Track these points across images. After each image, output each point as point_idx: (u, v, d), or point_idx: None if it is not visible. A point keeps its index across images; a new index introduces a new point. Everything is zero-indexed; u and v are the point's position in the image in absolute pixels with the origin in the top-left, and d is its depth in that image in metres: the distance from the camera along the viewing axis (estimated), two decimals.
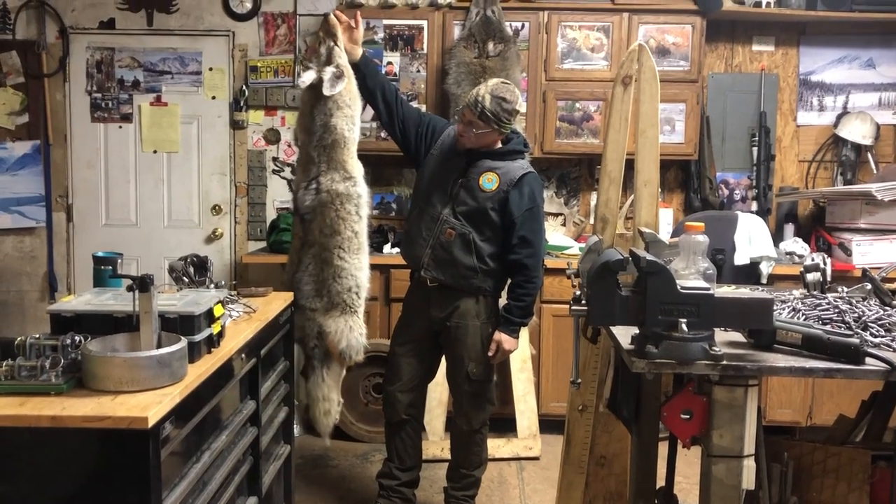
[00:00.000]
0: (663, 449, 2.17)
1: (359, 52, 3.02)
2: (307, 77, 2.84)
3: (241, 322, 2.46)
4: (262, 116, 4.72)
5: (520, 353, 3.92)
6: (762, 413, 2.04)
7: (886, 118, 4.65)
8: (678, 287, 1.75)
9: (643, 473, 2.04)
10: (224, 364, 2.10)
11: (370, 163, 3.64)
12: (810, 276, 2.29)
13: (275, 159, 4.75)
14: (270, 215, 4.72)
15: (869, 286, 2.24)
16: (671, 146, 4.31)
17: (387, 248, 4.34)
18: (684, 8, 4.35)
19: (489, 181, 2.97)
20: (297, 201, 2.99)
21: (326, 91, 2.81)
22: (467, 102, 2.93)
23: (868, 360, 1.78)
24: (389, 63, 4.39)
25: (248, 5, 4.66)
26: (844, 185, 4.53)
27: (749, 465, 1.82)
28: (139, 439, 1.60)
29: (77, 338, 1.83)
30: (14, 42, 4.65)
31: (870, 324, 1.98)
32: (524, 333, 3.88)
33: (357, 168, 2.97)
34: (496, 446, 3.94)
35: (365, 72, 3.02)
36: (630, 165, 2.72)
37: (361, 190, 2.97)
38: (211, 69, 4.70)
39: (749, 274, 4.03)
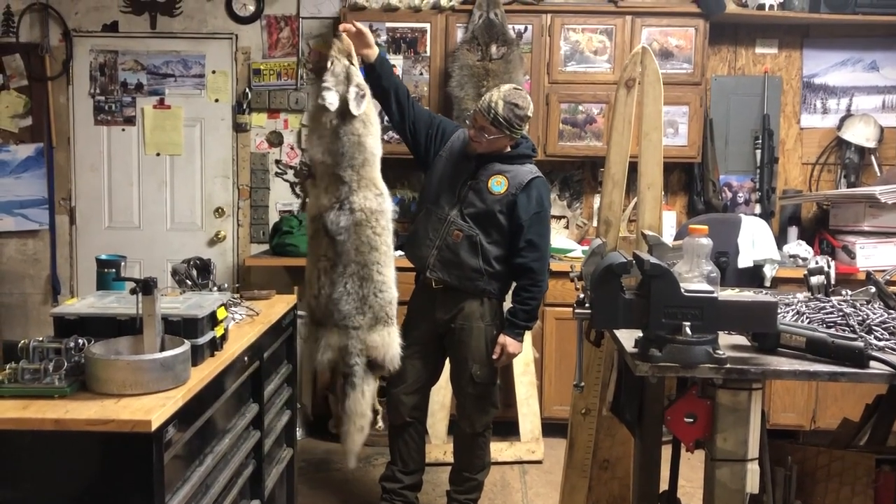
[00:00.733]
0: (667, 452, 2.17)
1: (374, 52, 2.98)
2: (333, 99, 2.78)
3: (245, 325, 2.46)
4: (265, 119, 4.73)
5: (523, 356, 3.90)
6: (766, 417, 2.04)
7: (890, 121, 4.64)
8: (682, 290, 1.75)
9: (646, 477, 2.03)
10: (227, 367, 2.10)
11: None
12: (814, 280, 2.29)
13: (277, 162, 4.75)
14: (273, 218, 4.73)
15: (873, 289, 2.24)
16: (674, 149, 4.30)
17: None
18: (687, 11, 4.35)
19: (498, 184, 2.98)
20: (327, 223, 2.86)
21: (355, 111, 2.78)
22: (479, 108, 2.92)
23: (872, 363, 1.78)
24: (393, 66, 4.38)
25: (251, 8, 4.67)
26: (848, 187, 4.52)
27: (753, 469, 1.82)
28: (143, 443, 1.60)
29: (80, 341, 1.84)
30: (18, 45, 4.66)
31: (874, 327, 1.98)
32: (527, 337, 3.88)
33: (383, 183, 2.97)
34: (499, 450, 3.93)
35: (380, 72, 2.99)
36: (633, 168, 2.71)
37: (389, 204, 2.95)
38: (214, 72, 4.71)
39: (752, 277, 4.02)
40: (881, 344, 1.91)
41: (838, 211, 4.43)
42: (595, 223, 4.26)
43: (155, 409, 1.64)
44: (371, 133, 2.87)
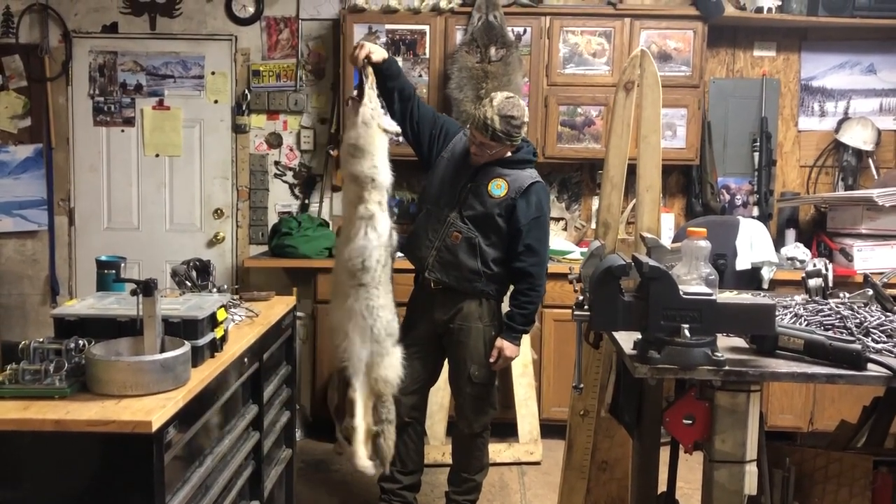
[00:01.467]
0: (665, 454, 2.18)
1: (383, 55, 2.96)
2: (392, 127, 2.86)
3: (244, 326, 2.47)
4: (265, 120, 4.73)
5: (521, 357, 3.91)
6: (764, 418, 2.04)
7: (887, 124, 4.65)
8: (680, 292, 1.76)
9: (645, 478, 2.04)
10: (227, 368, 2.10)
11: None
12: (812, 282, 2.30)
13: (276, 163, 4.75)
14: (272, 219, 4.72)
15: (870, 292, 2.25)
16: (673, 151, 4.31)
17: None
18: (686, 13, 4.36)
19: (498, 187, 2.99)
20: (393, 240, 2.83)
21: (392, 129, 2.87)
22: (476, 125, 2.91)
23: (870, 366, 1.79)
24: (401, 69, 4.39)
25: (251, 10, 4.67)
26: (846, 190, 4.54)
27: (751, 471, 1.82)
28: (143, 443, 1.61)
29: (81, 342, 1.84)
30: (17, 46, 4.66)
31: (871, 329, 1.99)
32: (526, 338, 3.88)
33: None
34: (497, 451, 3.94)
35: (387, 74, 2.98)
36: (632, 170, 2.72)
37: None
38: (213, 73, 4.71)
39: (751, 279, 4.03)
40: (879, 346, 1.91)
41: (836, 214, 4.44)
42: (593, 225, 4.26)
43: (155, 410, 1.64)
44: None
